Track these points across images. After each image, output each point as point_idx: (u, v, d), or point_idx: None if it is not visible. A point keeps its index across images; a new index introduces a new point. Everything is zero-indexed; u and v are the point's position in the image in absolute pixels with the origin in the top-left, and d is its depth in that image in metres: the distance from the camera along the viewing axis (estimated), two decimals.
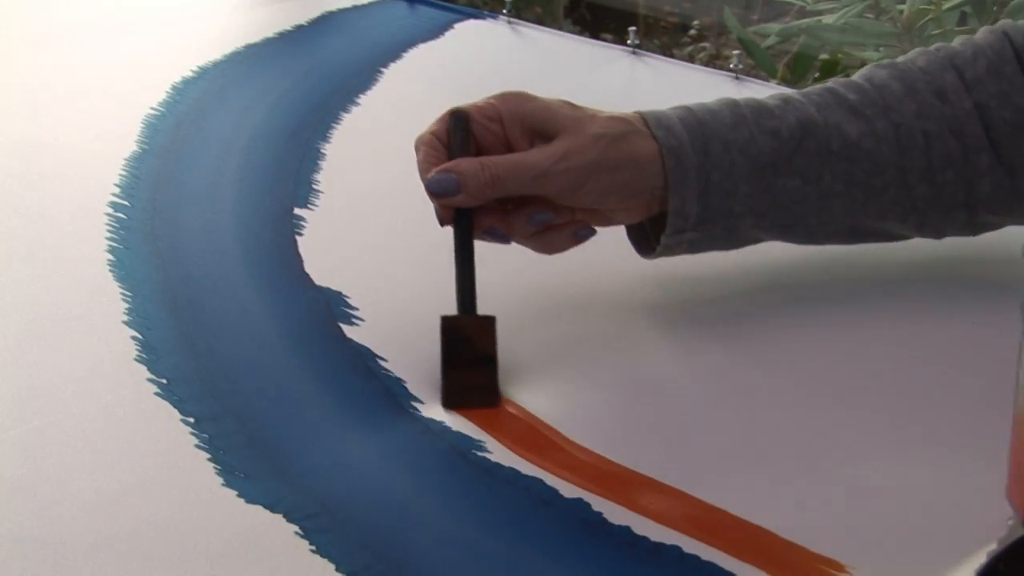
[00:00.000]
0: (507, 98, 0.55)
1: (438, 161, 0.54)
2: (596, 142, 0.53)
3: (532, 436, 0.49)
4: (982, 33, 0.59)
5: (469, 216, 0.53)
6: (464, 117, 0.54)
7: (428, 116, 0.69)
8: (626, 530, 0.43)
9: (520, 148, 0.54)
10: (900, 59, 0.59)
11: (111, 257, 0.61)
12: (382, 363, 0.54)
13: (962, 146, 0.56)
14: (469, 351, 0.52)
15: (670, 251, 0.57)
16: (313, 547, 0.42)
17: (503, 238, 0.55)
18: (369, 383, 0.53)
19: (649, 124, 0.55)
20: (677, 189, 0.54)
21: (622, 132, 0.54)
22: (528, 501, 0.45)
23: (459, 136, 0.54)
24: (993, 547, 0.41)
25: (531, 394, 0.52)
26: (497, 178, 0.52)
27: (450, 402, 0.52)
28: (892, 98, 0.56)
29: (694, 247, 0.57)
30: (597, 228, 0.56)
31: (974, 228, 0.60)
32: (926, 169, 0.56)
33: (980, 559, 0.41)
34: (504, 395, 0.52)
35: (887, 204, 0.57)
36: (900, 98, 0.56)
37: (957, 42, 0.59)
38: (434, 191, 0.53)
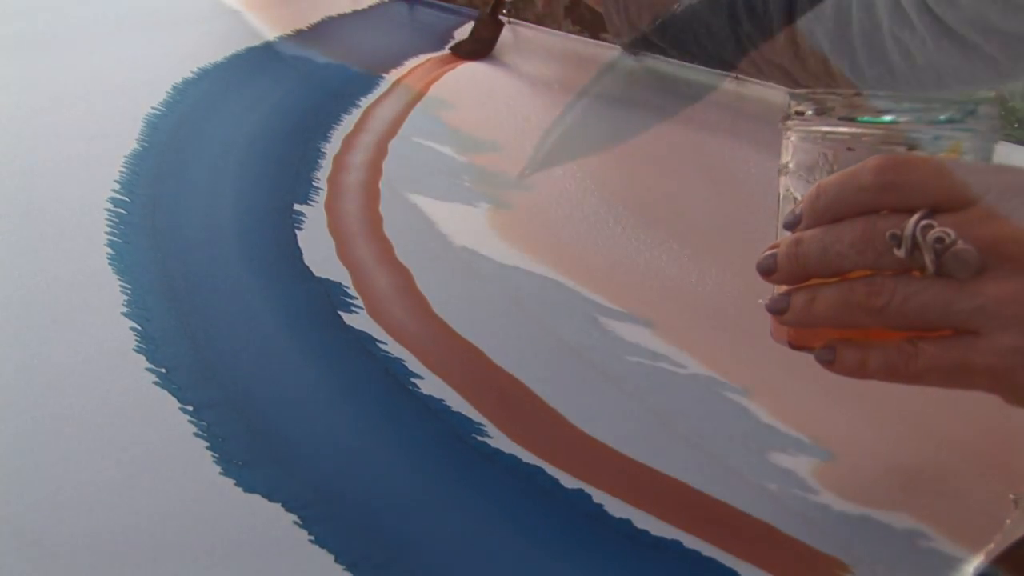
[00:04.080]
0: None
1: None
2: None
3: (534, 421, 0.49)
4: None
5: None
6: None
7: (428, 116, 0.79)
8: (627, 523, 0.43)
9: None
10: None
11: (110, 251, 0.61)
12: (381, 346, 0.54)
13: (766, 24, 0.79)
14: (479, 34, 0.96)
15: (624, 48, 0.90)
16: (311, 537, 0.42)
17: None
18: (368, 365, 0.53)
19: None
20: (606, 9, 0.89)
21: None
22: (528, 490, 0.45)
23: None
24: (993, 547, 0.41)
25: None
26: None
27: (456, 48, 0.94)
28: None
29: (634, 51, 0.90)
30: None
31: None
32: (749, 35, 0.81)
33: (980, 559, 0.41)
34: None
35: (733, 52, 0.82)
36: None
37: None
38: None
